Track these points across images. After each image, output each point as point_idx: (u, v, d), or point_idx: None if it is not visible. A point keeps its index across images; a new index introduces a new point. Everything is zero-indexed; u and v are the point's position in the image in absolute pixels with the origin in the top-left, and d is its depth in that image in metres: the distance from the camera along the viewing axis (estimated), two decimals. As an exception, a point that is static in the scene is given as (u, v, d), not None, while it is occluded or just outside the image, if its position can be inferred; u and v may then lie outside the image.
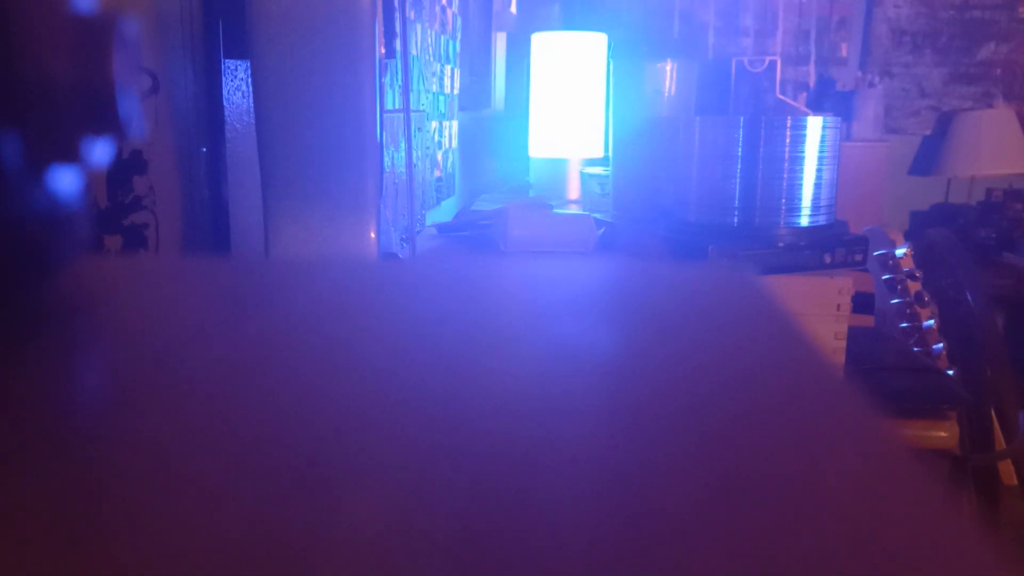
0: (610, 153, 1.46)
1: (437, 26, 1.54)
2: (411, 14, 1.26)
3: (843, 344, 1.01)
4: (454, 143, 1.74)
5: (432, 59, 1.49)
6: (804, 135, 1.03)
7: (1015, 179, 3.23)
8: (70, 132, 0.22)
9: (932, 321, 1.28)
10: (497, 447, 0.15)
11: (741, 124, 1.05)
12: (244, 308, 0.25)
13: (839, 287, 1.01)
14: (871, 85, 3.20)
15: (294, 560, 0.12)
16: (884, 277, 1.31)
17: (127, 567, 0.11)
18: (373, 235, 0.74)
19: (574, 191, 1.84)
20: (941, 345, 1.27)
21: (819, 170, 1.04)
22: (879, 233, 1.31)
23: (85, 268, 0.30)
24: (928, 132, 3.43)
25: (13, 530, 0.12)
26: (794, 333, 0.23)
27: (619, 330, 0.23)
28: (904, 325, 1.29)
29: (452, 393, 0.18)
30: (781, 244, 1.03)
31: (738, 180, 1.05)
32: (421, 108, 1.38)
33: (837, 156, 1.07)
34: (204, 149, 0.83)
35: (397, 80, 1.18)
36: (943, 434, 1.04)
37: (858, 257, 1.05)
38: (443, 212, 1.65)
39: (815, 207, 1.05)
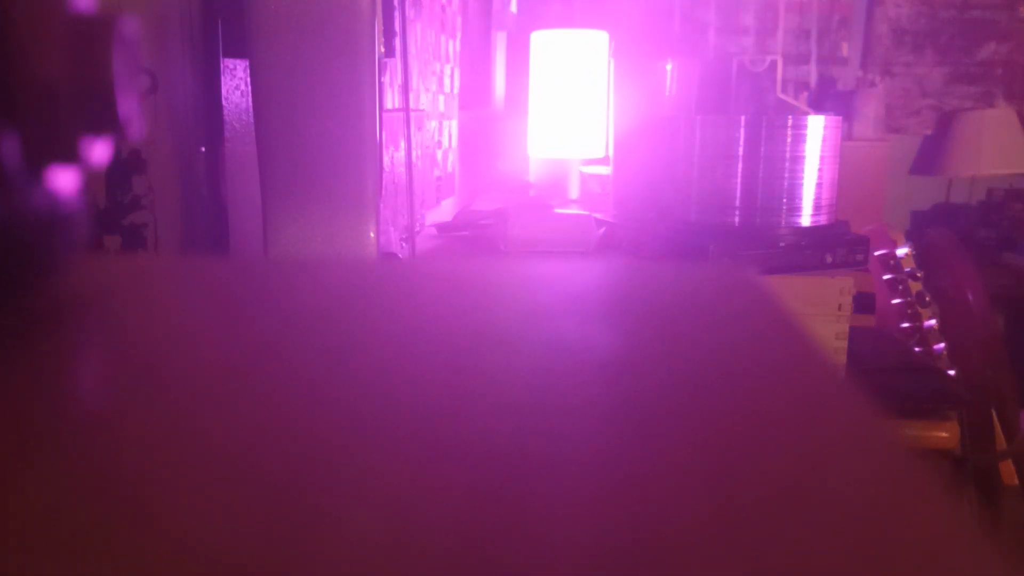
0: (610, 153, 1.46)
1: (437, 26, 1.54)
2: (411, 13, 1.26)
3: (844, 344, 1.01)
4: (454, 143, 1.74)
5: (432, 59, 1.49)
6: (805, 134, 1.03)
7: (1016, 179, 3.23)
8: (70, 132, 0.22)
9: (933, 321, 1.28)
10: (496, 447, 0.15)
11: (742, 124, 1.05)
12: (243, 308, 0.25)
13: (840, 287, 1.01)
14: (872, 84, 3.20)
15: (294, 562, 0.12)
16: (885, 277, 1.31)
17: (123, 569, 0.11)
18: (373, 235, 0.74)
19: (574, 191, 1.84)
20: (942, 345, 1.27)
21: (820, 170, 1.04)
22: (880, 233, 1.31)
23: (84, 268, 0.30)
24: (929, 132, 3.43)
25: (11, 530, 0.12)
26: (795, 333, 0.23)
27: (619, 330, 0.23)
28: (905, 325, 1.29)
29: (451, 393, 0.18)
30: (782, 244, 1.03)
31: (739, 180, 1.05)
32: (421, 108, 1.38)
33: (838, 156, 1.07)
34: (203, 149, 0.83)
35: (397, 79, 1.18)
36: (943, 434, 1.04)
37: (859, 257, 1.05)
38: (443, 212, 1.65)
39: (816, 207, 1.05)
